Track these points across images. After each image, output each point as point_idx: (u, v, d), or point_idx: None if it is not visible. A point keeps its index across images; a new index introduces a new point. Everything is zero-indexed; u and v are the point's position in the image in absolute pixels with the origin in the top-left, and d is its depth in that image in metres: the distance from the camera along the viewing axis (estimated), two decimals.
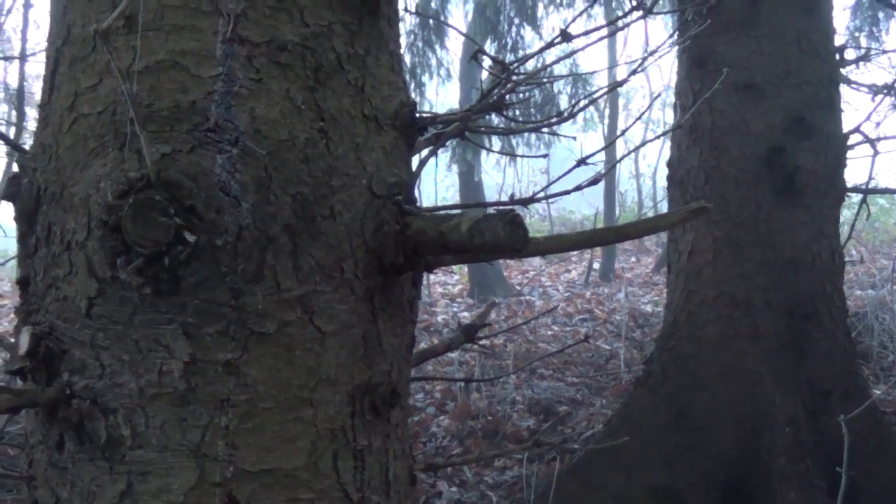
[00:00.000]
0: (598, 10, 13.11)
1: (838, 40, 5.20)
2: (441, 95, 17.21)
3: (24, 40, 7.31)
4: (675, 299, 5.03)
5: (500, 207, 1.60)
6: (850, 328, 5.10)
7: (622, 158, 3.92)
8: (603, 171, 2.56)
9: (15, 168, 1.74)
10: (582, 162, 2.49)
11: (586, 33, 2.77)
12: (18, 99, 6.68)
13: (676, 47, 5.20)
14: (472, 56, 2.47)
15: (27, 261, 1.62)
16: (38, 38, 15.24)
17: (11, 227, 1.74)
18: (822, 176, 4.76)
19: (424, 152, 2.30)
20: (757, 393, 4.61)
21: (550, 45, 2.69)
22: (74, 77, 1.55)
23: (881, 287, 10.02)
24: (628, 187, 23.14)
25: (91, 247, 1.47)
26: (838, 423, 3.65)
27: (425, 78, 12.19)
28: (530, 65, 4.30)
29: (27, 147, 1.74)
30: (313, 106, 1.56)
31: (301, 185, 1.53)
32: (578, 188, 2.38)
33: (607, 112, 17.09)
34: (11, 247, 1.84)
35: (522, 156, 18.88)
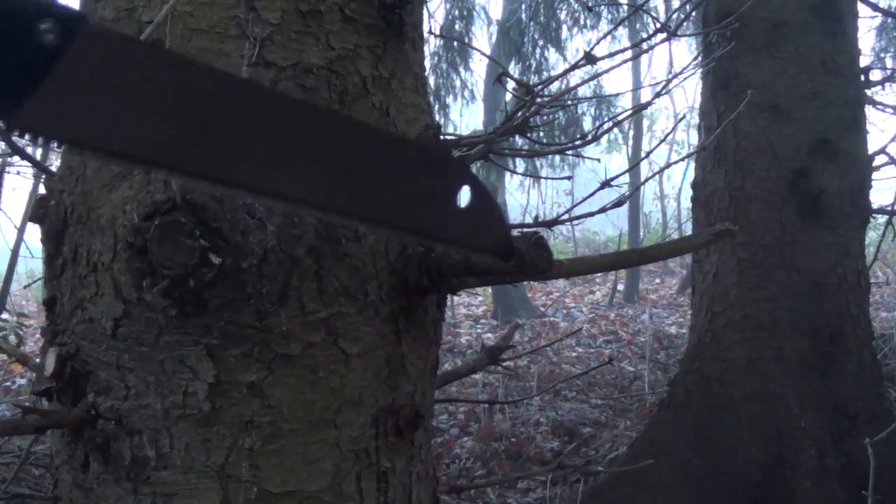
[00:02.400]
0: (622, 32, 13.12)
1: (863, 61, 5.18)
2: (465, 117, 17.23)
3: None
4: (700, 321, 5.01)
5: (525, 230, 1.60)
6: (875, 350, 5.07)
7: (647, 180, 3.92)
8: (627, 193, 2.57)
9: (42, 190, 1.75)
10: (606, 184, 2.49)
11: (611, 55, 2.78)
12: None
13: (701, 69, 5.20)
14: (497, 78, 2.48)
15: (53, 282, 1.63)
16: None
17: (38, 249, 1.75)
18: (848, 197, 4.74)
19: None
20: (782, 415, 4.58)
21: (575, 67, 2.69)
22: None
23: None
24: (653, 209, 23.10)
25: (117, 268, 1.48)
26: (864, 447, 3.63)
27: (449, 100, 12.24)
28: (554, 87, 4.31)
29: (54, 169, 1.75)
30: None
31: None
32: (603, 210, 2.38)
33: (631, 133, 17.06)
34: (38, 268, 1.86)
35: (546, 178, 18.90)
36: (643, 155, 6.08)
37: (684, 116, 16.12)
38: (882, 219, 5.83)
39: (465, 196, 1.33)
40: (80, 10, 1.12)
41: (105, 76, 1.06)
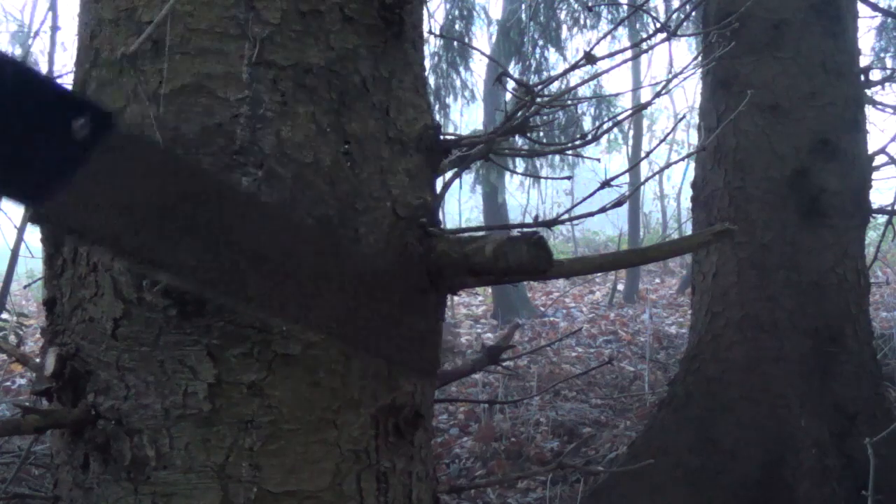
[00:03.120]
0: (622, 32, 13.11)
1: (863, 61, 5.18)
2: (465, 117, 17.22)
3: (51, 63, 7.38)
4: (700, 321, 5.01)
5: (525, 230, 1.60)
6: (876, 350, 5.07)
7: (646, 180, 3.91)
8: (627, 193, 2.56)
9: None
10: (606, 184, 2.49)
11: (611, 55, 2.77)
12: None
13: (700, 69, 5.20)
14: (497, 78, 2.48)
15: (53, 282, 1.63)
16: (66, 60, 15.36)
17: (38, 249, 1.75)
18: (848, 197, 4.74)
19: (449, 174, 2.31)
20: (782, 415, 4.58)
21: (574, 67, 2.69)
22: (102, 100, 1.56)
23: None
24: (653, 208, 23.11)
25: (117, 268, 1.48)
26: (864, 446, 3.63)
27: (449, 100, 12.23)
28: (554, 87, 4.31)
29: None
30: (338, 129, 1.57)
31: (326, 207, 1.54)
32: (603, 210, 2.38)
33: (631, 133, 17.06)
34: (38, 268, 1.86)
35: (546, 177, 18.91)
36: (643, 155, 6.07)
37: (684, 116, 16.14)
38: (882, 219, 5.82)
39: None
40: (107, 108, 1.15)
41: (125, 175, 1.09)
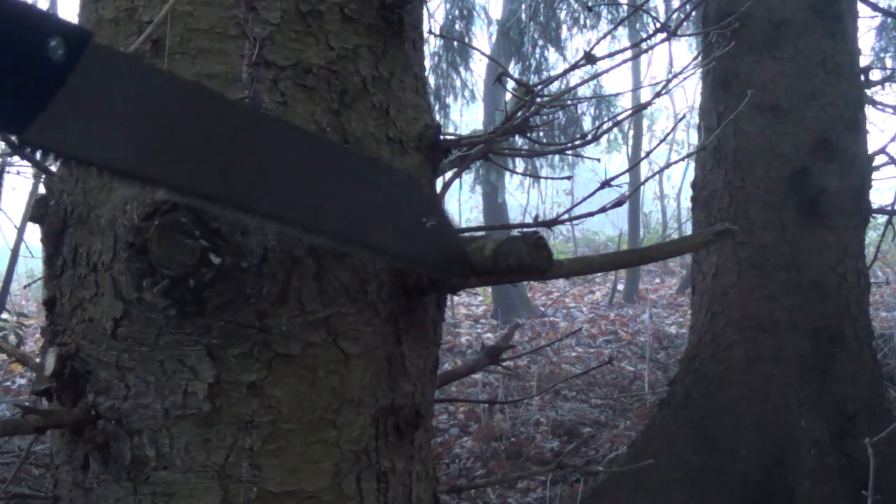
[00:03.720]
0: (622, 32, 13.12)
1: (863, 61, 5.19)
2: (465, 117, 17.24)
3: None
4: (700, 321, 5.01)
5: (525, 230, 1.60)
6: (876, 350, 5.07)
7: (646, 180, 3.91)
8: (627, 193, 2.56)
9: (42, 190, 1.75)
10: (606, 184, 2.49)
11: (610, 55, 2.77)
12: None
13: (700, 69, 5.20)
14: (497, 78, 2.48)
15: (53, 282, 1.63)
16: None
17: (38, 249, 1.75)
18: (848, 197, 4.74)
19: (449, 174, 2.31)
20: (782, 415, 4.58)
21: (574, 67, 2.69)
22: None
23: None
24: (653, 208, 23.12)
25: (117, 268, 1.48)
26: (864, 446, 3.63)
27: (449, 100, 12.24)
28: (554, 87, 4.31)
29: (54, 169, 1.75)
30: (338, 129, 1.57)
31: None
32: (603, 210, 2.38)
33: (631, 133, 17.07)
34: (38, 268, 1.86)
35: (546, 177, 18.89)
36: (643, 155, 6.07)
37: (684, 116, 16.13)
38: (882, 219, 5.83)
39: (430, 218, 1.38)
40: (82, 26, 1.15)
41: (106, 92, 1.07)
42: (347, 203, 1.33)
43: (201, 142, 1.18)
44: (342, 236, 1.37)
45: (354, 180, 1.36)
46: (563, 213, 2.44)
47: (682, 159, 4.14)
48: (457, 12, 12.19)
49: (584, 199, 2.47)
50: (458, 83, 12.34)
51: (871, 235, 7.40)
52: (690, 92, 26.68)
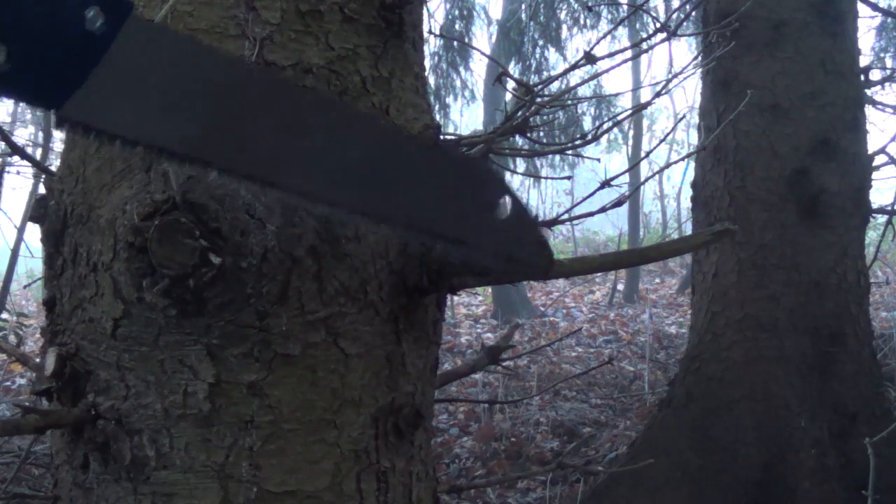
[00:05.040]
0: (622, 32, 13.12)
1: (863, 61, 5.18)
2: (465, 117, 17.24)
3: None
4: (700, 321, 5.01)
5: None
6: (876, 350, 5.07)
7: (646, 180, 3.91)
8: (627, 193, 2.56)
9: (42, 190, 1.75)
10: (606, 184, 2.49)
11: (610, 55, 2.78)
12: (45, 121, 6.72)
13: (700, 69, 5.20)
14: (497, 78, 2.48)
15: (53, 282, 1.63)
16: None
17: (38, 249, 1.75)
18: (848, 197, 4.74)
19: None
20: (782, 415, 4.58)
21: (574, 66, 2.69)
22: None
23: None
24: (653, 208, 23.12)
25: (117, 268, 1.48)
26: (864, 446, 3.63)
27: (449, 99, 12.25)
28: (554, 87, 4.31)
29: (54, 169, 1.75)
30: None
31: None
32: (603, 210, 2.38)
33: (631, 133, 17.07)
34: (38, 268, 1.86)
35: (546, 178, 18.92)
36: (643, 155, 6.07)
37: (684, 116, 16.13)
38: (882, 219, 5.83)
39: (503, 208, 1.33)
40: None
41: (148, 67, 1.03)
42: (401, 185, 1.27)
43: (249, 119, 1.13)
44: (394, 220, 1.31)
45: (414, 164, 1.31)
46: (563, 213, 2.44)
47: (682, 159, 4.16)
48: (457, 12, 12.20)
49: (584, 199, 2.47)
50: (458, 83, 12.36)
51: (871, 235, 7.40)
52: (690, 92, 26.69)
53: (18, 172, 7.52)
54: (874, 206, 5.06)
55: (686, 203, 17.57)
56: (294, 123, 1.15)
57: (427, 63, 2.82)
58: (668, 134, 3.84)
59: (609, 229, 23.28)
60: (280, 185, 1.16)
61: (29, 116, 9.51)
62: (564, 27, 11.96)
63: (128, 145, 1.05)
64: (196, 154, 1.09)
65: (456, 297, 13.75)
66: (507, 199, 1.36)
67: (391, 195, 1.23)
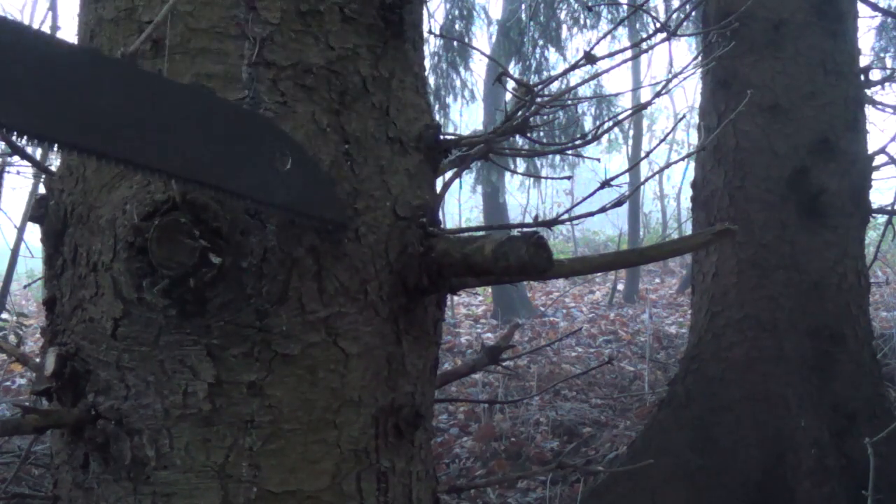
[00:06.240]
0: (622, 32, 13.11)
1: (863, 61, 5.18)
2: (465, 117, 17.24)
3: None
4: (700, 321, 5.01)
5: (525, 230, 1.60)
6: (875, 350, 5.06)
7: (646, 180, 3.90)
8: (627, 193, 2.56)
9: (42, 190, 1.75)
10: (606, 184, 2.49)
11: (611, 55, 2.77)
12: None
13: (700, 69, 5.19)
14: (497, 78, 2.48)
15: (53, 282, 1.63)
16: None
17: (38, 249, 1.75)
18: (848, 197, 4.73)
19: (449, 174, 2.31)
20: (782, 415, 4.58)
21: (574, 66, 2.69)
22: None
23: None
24: (653, 208, 23.11)
25: (117, 268, 1.48)
26: (864, 446, 3.63)
27: (449, 99, 12.23)
28: (554, 86, 4.31)
29: (54, 169, 1.75)
30: (338, 129, 1.57)
31: None
32: (603, 210, 2.38)
33: (631, 133, 17.05)
34: (38, 268, 1.86)
35: (547, 177, 18.92)
36: (643, 155, 6.08)
37: (684, 116, 16.12)
38: (882, 219, 5.82)
39: (281, 160, 1.34)
40: None
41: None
42: (185, 140, 1.28)
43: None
44: (184, 176, 1.30)
45: (196, 119, 1.30)
46: (563, 213, 2.44)
47: (682, 159, 4.15)
48: (457, 12, 12.19)
49: (584, 199, 2.46)
50: (458, 83, 12.34)
51: (871, 235, 7.40)
52: (690, 92, 26.72)
53: (18, 172, 7.51)
54: (874, 205, 5.06)
55: (686, 203, 17.58)
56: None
57: (427, 63, 2.82)
58: (668, 134, 3.85)
59: (609, 229, 23.28)
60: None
61: None
62: (564, 27, 11.94)
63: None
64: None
65: (456, 297, 13.75)
66: (288, 151, 1.37)
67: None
